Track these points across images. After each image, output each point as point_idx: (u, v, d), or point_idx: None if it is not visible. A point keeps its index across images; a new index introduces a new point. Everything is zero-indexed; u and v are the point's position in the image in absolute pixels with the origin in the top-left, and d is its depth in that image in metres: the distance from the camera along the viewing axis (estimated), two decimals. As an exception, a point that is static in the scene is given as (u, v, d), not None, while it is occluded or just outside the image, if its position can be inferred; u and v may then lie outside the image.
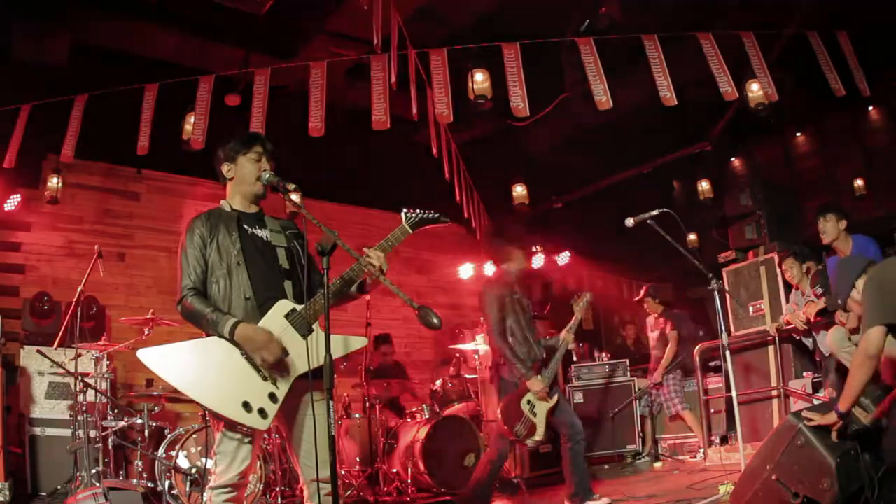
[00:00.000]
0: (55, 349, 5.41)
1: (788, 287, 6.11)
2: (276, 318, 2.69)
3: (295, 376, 2.67)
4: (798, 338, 6.02)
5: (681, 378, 7.01)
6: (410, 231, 2.86)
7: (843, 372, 5.30)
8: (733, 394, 4.53)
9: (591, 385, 7.33)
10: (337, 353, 2.63)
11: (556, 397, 4.78)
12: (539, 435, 4.73)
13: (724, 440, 6.39)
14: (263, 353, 2.59)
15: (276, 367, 2.62)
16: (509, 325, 4.78)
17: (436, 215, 2.90)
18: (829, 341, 5.15)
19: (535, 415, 4.73)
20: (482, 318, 5.36)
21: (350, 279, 2.81)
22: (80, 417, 5.07)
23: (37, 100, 5.29)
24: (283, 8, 5.71)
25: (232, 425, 2.60)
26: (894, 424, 3.18)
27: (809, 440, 3.18)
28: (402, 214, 2.87)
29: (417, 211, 2.87)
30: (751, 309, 6.60)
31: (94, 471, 4.94)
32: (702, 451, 6.50)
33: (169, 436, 5.22)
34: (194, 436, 5.06)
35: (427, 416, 6.29)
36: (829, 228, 5.08)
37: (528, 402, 4.73)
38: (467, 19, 6.38)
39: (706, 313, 8.47)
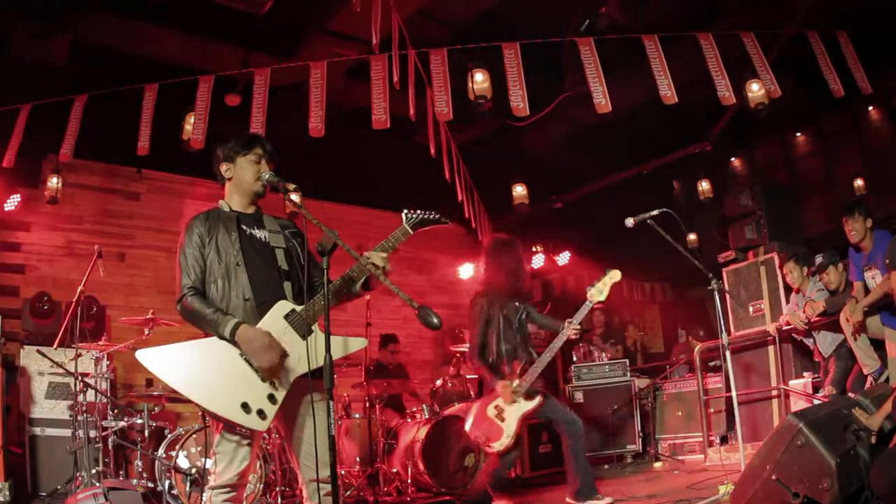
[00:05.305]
0: (55, 349, 5.40)
1: (788, 287, 6.12)
2: (275, 319, 2.68)
3: (294, 378, 2.66)
4: (798, 338, 6.02)
5: None
6: (411, 232, 2.85)
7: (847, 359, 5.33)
8: (733, 394, 4.52)
9: (591, 385, 7.33)
10: (336, 354, 2.62)
11: (535, 401, 4.49)
12: (506, 439, 4.40)
13: (724, 440, 6.38)
14: (262, 357, 2.58)
15: (275, 369, 2.62)
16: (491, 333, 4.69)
17: (436, 216, 2.90)
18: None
19: (502, 420, 4.47)
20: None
21: (351, 278, 2.81)
22: (80, 417, 5.07)
23: (37, 100, 5.28)
24: (283, 8, 5.70)
25: (231, 426, 2.60)
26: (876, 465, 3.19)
27: (809, 440, 3.18)
28: (403, 215, 2.87)
29: (418, 211, 2.87)
30: (751, 309, 6.59)
31: (94, 471, 4.94)
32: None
33: (169, 436, 5.23)
34: (194, 436, 5.06)
35: (427, 416, 6.28)
36: (859, 227, 5.10)
37: (496, 406, 4.53)
38: (467, 19, 6.38)
39: (706, 313, 8.47)
